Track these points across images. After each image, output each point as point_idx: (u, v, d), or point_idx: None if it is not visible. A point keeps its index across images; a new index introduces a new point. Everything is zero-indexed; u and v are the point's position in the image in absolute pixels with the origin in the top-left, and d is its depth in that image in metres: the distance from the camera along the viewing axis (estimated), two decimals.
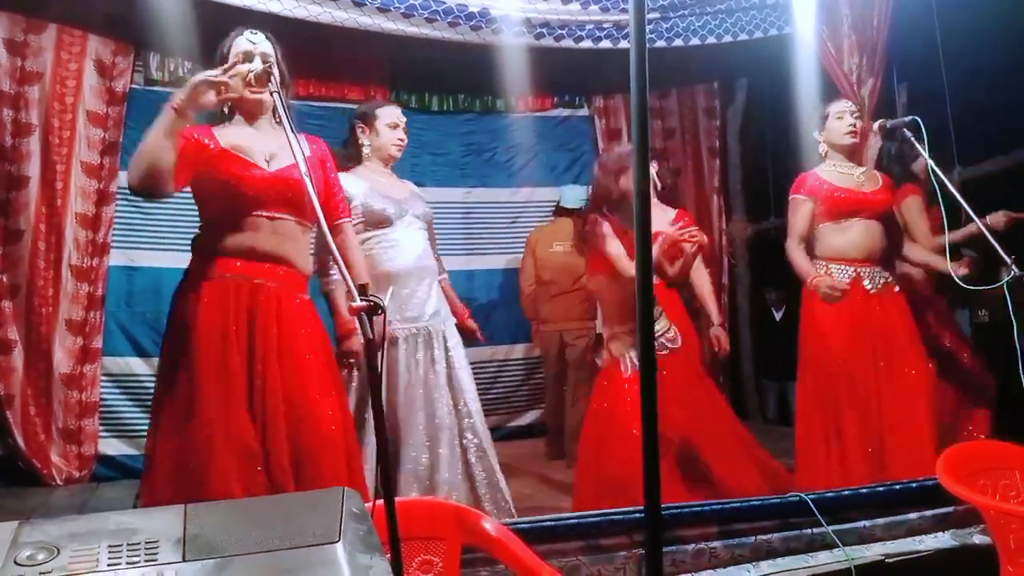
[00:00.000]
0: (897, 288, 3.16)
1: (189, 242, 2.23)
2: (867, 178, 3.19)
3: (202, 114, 2.21)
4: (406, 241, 2.83)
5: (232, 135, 2.18)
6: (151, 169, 1.99)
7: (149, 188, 2.03)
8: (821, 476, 2.99)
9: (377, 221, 2.81)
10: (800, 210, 3.18)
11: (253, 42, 2.20)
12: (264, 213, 2.13)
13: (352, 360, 2.43)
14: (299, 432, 2.06)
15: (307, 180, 1.78)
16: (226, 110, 2.21)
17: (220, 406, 2.01)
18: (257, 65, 2.15)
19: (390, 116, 2.93)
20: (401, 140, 2.94)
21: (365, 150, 2.92)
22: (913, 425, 2.98)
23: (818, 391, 3.11)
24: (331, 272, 2.66)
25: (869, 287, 3.08)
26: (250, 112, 2.22)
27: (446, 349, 2.87)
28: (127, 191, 4.18)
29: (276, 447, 2.03)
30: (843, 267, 3.11)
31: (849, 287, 3.05)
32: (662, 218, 3.36)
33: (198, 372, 2.03)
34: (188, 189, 2.16)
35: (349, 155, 2.92)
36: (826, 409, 3.07)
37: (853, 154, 3.22)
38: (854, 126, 3.15)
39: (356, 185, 2.82)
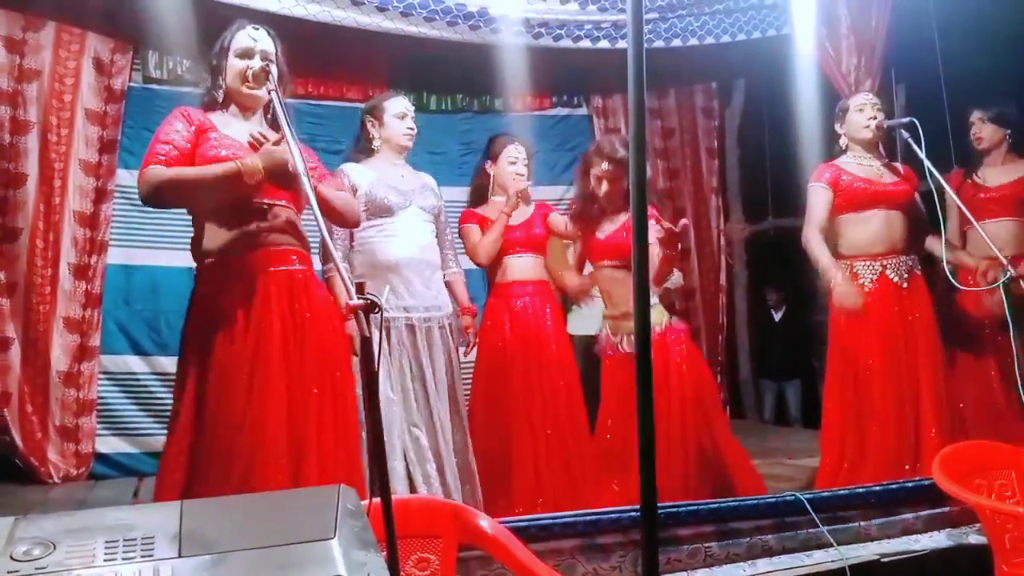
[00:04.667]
0: (919, 273, 3.14)
1: (188, 239, 2.22)
2: (887, 170, 3.18)
3: (194, 98, 2.23)
4: (407, 232, 2.86)
5: (228, 124, 2.20)
6: None
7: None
8: (846, 475, 2.97)
9: (379, 210, 2.83)
10: (818, 197, 3.14)
11: (255, 39, 2.22)
12: (267, 201, 2.14)
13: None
14: (336, 424, 2.10)
15: (305, 179, 1.83)
16: (220, 98, 2.22)
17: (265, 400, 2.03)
18: (256, 63, 2.17)
19: (398, 107, 2.97)
20: (411, 129, 2.98)
21: (376, 142, 2.96)
22: (939, 418, 2.97)
23: (847, 388, 3.09)
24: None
25: (895, 279, 3.07)
26: (245, 106, 2.24)
27: (438, 342, 2.88)
28: (125, 189, 4.23)
29: (322, 441, 2.07)
30: (868, 263, 3.08)
31: (876, 286, 3.05)
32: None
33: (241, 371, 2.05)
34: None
35: (361, 148, 2.98)
36: (855, 407, 3.05)
37: (873, 147, 3.20)
38: (875, 118, 3.15)
39: (364, 175, 2.87)
